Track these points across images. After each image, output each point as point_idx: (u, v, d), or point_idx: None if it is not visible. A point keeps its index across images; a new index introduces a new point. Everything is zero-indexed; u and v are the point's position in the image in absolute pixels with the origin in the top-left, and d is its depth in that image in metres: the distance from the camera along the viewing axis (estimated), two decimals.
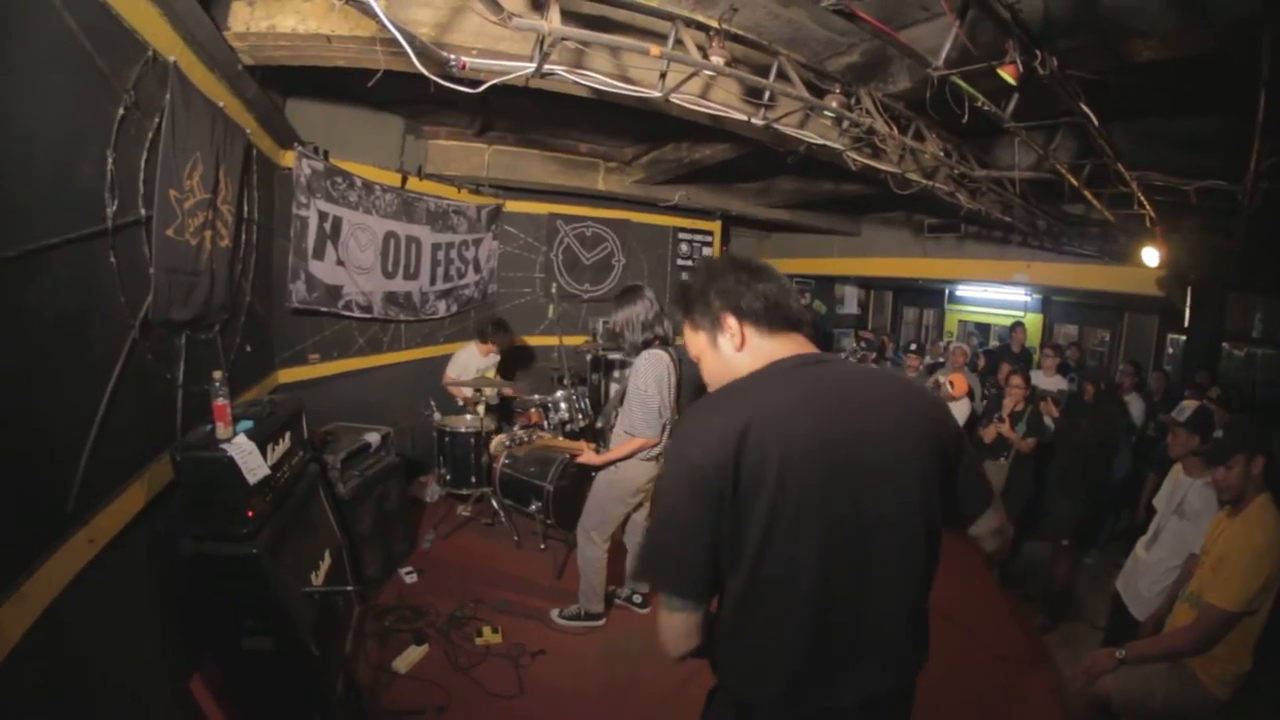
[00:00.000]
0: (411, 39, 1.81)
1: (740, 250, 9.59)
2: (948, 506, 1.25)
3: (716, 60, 2.21)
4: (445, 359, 5.22)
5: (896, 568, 1.16)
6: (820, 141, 3.04)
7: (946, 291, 10.36)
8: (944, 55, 2.18)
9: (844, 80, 2.75)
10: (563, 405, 4.79)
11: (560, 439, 4.66)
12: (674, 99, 2.45)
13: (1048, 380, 5.47)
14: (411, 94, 4.12)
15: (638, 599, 3.59)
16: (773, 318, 1.26)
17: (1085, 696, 2.36)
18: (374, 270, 4.75)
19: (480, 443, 4.55)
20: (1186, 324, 6.34)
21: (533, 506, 4.19)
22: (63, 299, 1.67)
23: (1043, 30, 2.16)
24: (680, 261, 7.70)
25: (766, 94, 2.62)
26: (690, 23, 2.23)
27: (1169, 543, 2.64)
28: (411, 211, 5.10)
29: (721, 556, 1.12)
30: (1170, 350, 7.48)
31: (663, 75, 2.33)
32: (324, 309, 4.26)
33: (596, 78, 2.30)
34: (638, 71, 2.49)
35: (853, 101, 2.77)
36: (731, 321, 1.26)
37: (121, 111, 1.88)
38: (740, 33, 2.34)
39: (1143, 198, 3.77)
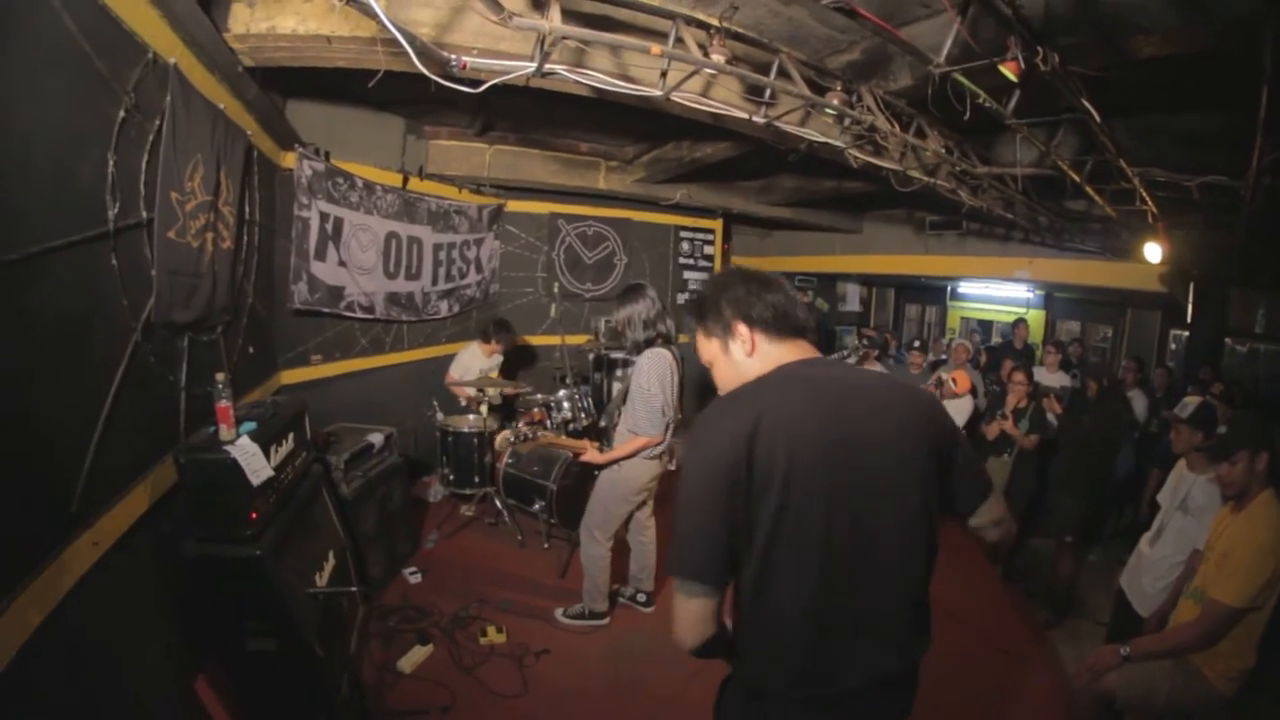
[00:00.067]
0: (412, 39, 1.81)
1: (742, 248, 9.59)
2: (947, 502, 1.32)
3: (717, 58, 2.21)
4: (447, 359, 5.23)
5: (898, 559, 1.22)
6: (821, 139, 3.04)
7: (948, 288, 10.36)
8: (945, 52, 2.18)
9: (845, 78, 2.75)
10: (565, 405, 4.79)
11: (563, 437, 4.67)
12: (675, 97, 2.45)
13: (1050, 377, 5.46)
14: (412, 94, 4.13)
15: (642, 598, 3.59)
16: (781, 325, 1.34)
17: (1089, 693, 2.36)
18: (376, 271, 4.75)
19: (483, 442, 4.56)
20: (1189, 320, 6.34)
21: (536, 506, 4.19)
22: (65, 302, 1.67)
23: (1044, 27, 2.16)
24: (682, 260, 7.71)
25: (767, 92, 2.62)
26: (691, 21, 2.23)
27: (1173, 539, 2.64)
28: (413, 212, 5.11)
29: (738, 544, 1.18)
30: (1173, 346, 7.47)
31: (664, 74, 2.33)
32: (326, 310, 4.27)
33: (597, 77, 2.30)
34: (639, 70, 2.49)
35: (854, 99, 2.77)
36: (743, 329, 1.35)
37: (122, 114, 1.88)
38: (741, 31, 2.34)
39: (1145, 194, 3.77)
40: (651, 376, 3.02)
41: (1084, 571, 4.23)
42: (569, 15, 2.14)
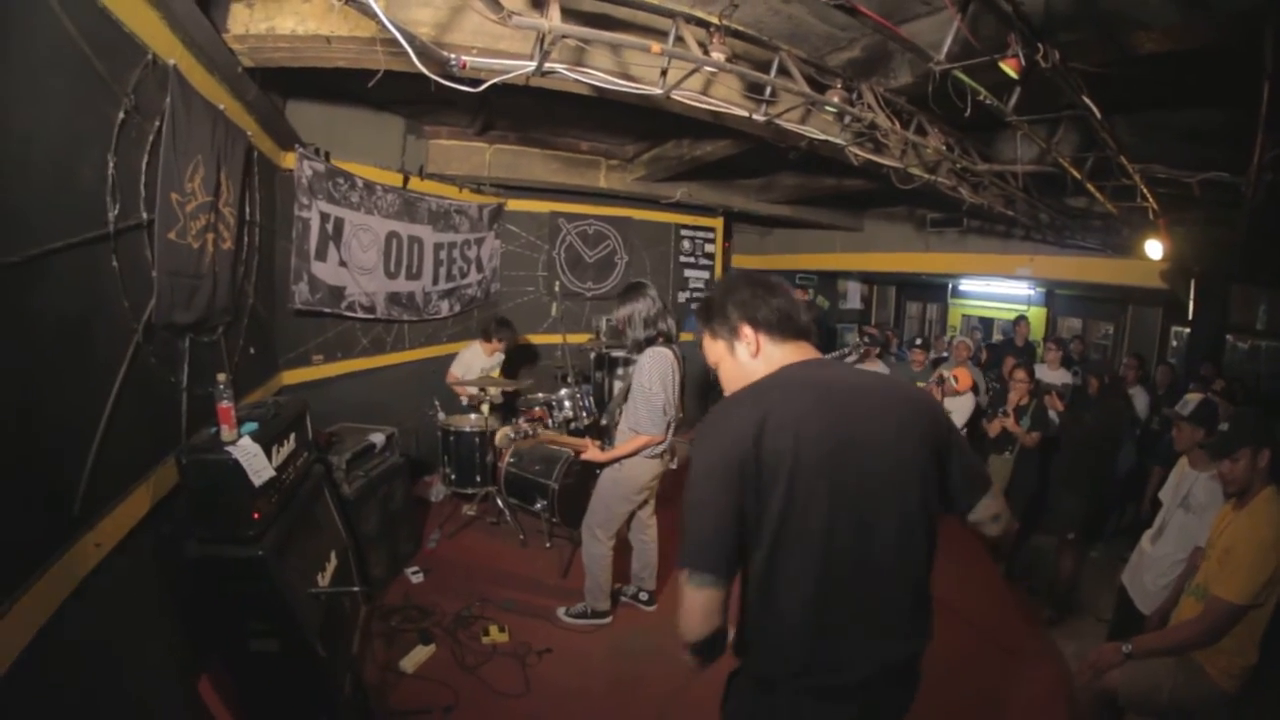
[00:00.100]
0: (411, 39, 1.81)
1: (742, 246, 9.58)
2: (945, 500, 1.37)
3: (717, 56, 2.21)
4: (449, 358, 5.23)
5: (898, 555, 1.26)
6: (822, 137, 3.04)
7: (949, 286, 10.35)
8: (945, 49, 2.18)
9: (845, 75, 2.75)
10: (567, 403, 4.79)
11: (565, 436, 4.67)
12: (675, 96, 2.45)
13: (1052, 374, 5.46)
14: (412, 94, 4.12)
15: (644, 596, 3.60)
16: (784, 328, 1.39)
17: (1092, 690, 2.36)
18: (376, 271, 4.75)
19: (485, 442, 4.56)
20: (1190, 317, 6.32)
21: (538, 505, 4.20)
22: (66, 303, 1.67)
23: (1044, 23, 2.16)
24: (683, 258, 7.71)
25: (768, 90, 2.62)
26: (691, 19, 2.22)
27: (1174, 536, 2.63)
28: (413, 211, 5.11)
29: (746, 536, 1.22)
30: (1174, 343, 7.46)
31: (664, 72, 2.32)
32: (327, 310, 4.27)
33: (597, 75, 2.30)
34: (639, 69, 2.48)
35: (854, 96, 2.76)
36: (748, 331, 1.40)
37: (122, 115, 1.88)
38: (741, 29, 2.33)
39: (1146, 190, 3.76)
40: (653, 375, 3.02)
41: (1086, 569, 4.22)
42: (568, 14, 2.13)
